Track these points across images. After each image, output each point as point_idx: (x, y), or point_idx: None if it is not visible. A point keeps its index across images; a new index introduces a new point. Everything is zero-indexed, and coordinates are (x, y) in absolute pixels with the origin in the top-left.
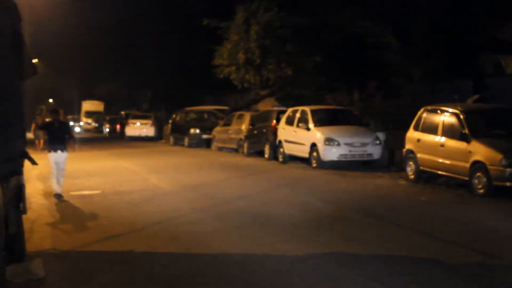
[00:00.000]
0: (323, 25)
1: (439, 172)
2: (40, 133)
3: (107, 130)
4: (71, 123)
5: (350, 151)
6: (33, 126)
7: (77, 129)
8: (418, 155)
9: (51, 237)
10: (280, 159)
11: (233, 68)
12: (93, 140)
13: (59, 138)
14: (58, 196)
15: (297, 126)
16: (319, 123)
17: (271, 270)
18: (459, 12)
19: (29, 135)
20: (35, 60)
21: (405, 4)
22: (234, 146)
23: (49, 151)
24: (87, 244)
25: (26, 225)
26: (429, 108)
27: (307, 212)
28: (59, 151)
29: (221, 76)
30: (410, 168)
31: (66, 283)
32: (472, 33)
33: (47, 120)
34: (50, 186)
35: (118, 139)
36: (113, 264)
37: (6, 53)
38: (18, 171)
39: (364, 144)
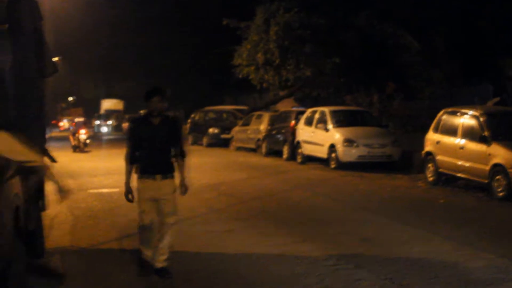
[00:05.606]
0: (343, 26)
1: (458, 175)
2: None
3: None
4: (97, 122)
5: (369, 152)
6: None
7: (104, 129)
8: (437, 157)
9: (70, 234)
10: (299, 160)
11: (252, 68)
12: (112, 139)
13: (159, 152)
14: (161, 272)
15: (316, 126)
16: (338, 124)
17: (288, 271)
18: (480, 15)
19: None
20: (55, 59)
21: (426, 6)
22: (252, 146)
23: (139, 177)
24: (106, 242)
25: (45, 222)
26: (449, 110)
27: (325, 213)
28: (158, 177)
29: (240, 76)
30: (429, 170)
31: (84, 280)
32: (492, 36)
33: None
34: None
35: None
36: (130, 262)
37: (27, 52)
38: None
39: (383, 146)
